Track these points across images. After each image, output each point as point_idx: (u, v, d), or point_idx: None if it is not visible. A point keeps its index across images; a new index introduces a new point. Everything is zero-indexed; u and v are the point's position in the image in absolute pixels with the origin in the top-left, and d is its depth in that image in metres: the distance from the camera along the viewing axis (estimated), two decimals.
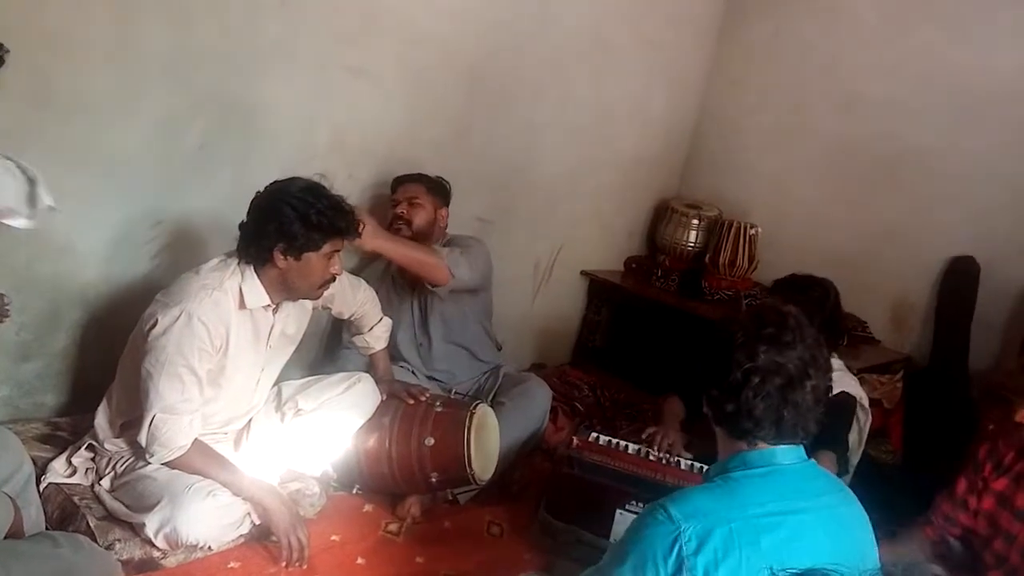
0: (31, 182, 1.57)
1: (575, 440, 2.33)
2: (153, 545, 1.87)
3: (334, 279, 2.08)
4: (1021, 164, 3.09)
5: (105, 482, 2.02)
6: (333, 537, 2.12)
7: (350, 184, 2.64)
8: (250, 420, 2.24)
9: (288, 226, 1.92)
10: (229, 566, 1.92)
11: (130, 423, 2.00)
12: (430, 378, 2.74)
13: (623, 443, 2.34)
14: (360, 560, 2.06)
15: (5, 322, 1.89)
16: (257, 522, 1.99)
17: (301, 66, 2.49)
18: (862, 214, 3.46)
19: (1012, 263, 3.11)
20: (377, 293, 2.50)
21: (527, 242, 3.44)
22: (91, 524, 1.89)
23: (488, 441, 2.36)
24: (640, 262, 3.87)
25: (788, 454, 1.36)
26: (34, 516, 1.74)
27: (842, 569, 1.06)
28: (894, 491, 2.39)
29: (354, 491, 2.33)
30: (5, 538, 1.52)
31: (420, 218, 2.60)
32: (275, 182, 2.00)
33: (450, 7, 2.80)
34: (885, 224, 3.40)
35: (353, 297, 2.37)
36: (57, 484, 2.02)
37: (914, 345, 3.36)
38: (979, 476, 1.91)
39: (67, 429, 2.23)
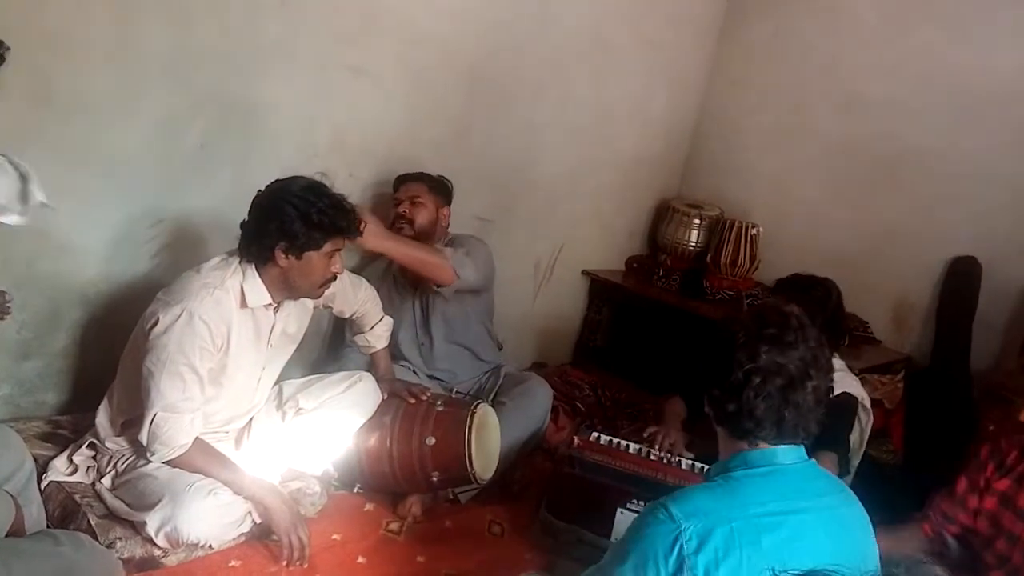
0: (23, 178, 1.56)
1: (576, 439, 2.33)
2: (154, 543, 1.87)
3: (335, 278, 2.08)
4: (1022, 164, 3.09)
5: (106, 480, 2.02)
6: (334, 536, 2.12)
7: (351, 183, 2.64)
8: (251, 419, 2.24)
9: (289, 225, 1.92)
10: (230, 565, 1.92)
11: (131, 421, 2.00)
12: (431, 377, 2.74)
13: (624, 443, 2.34)
14: (361, 559, 2.06)
15: (6, 319, 1.89)
16: (258, 521, 1.99)
17: (301, 66, 2.49)
18: (863, 214, 3.46)
19: (1013, 263, 3.11)
20: (378, 292, 2.50)
21: (527, 242, 3.44)
22: (92, 522, 1.90)
23: (489, 440, 2.36)
24: (641, 262, 3.87)
25: (789, 454, 1.36)
26: (35, 514, 1.74)
27: (843, 570, 1.07)
28: (895, 491, 2.39)
29: (355, 490, 2.33)
30: (6, 536, 1.52)
31: (422, 217, 2.60)
32: (276, 181, 2.00)
33: (450, 7, 2.80)
34: (886, 224, 3.40)
35: (354, 296, 2.37)
36: (58, 482, 2.02)
37: (915, 345, 3.36)
38: (981, 475, 1.91)
39: (68, 427, 2.23)
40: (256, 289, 2.01)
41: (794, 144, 3.67)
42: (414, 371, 2.72)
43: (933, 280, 3.30)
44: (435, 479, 2.24)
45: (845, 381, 2.37)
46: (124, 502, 1.95)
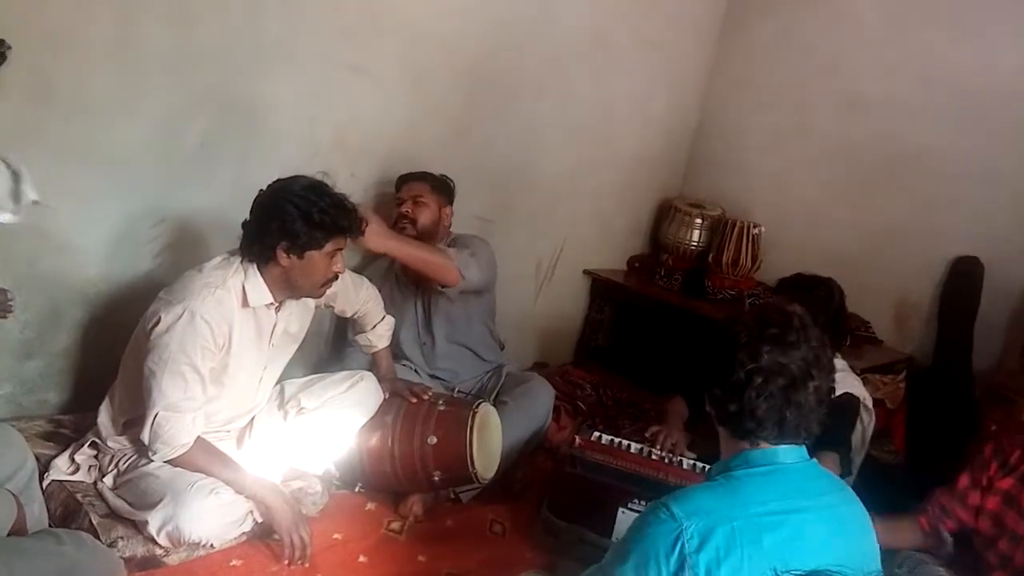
0: (15, 176, 1.56)
1: (578, 439, 2.33)
2: (155, 543, 1.87)
3: (337, 277, 2.08)
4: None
5: (108, 479, 2.02)
6: (335, 535, 2.12)
7: (352, 183, 2.64)
8: (253, 418, 2.24)
9: (291, 224, 1.92)
10: (231, 564, 1.93)
11: (133, 421, 2.00)
12: (433, 377, 2.74)
13: (626, 442, 2.34)
14: (362, 558, 2.06)
15: (9, 318, 1.89)
16: (259, 520, 1.99)
17: (302, 65, 2.49)
18: (865, 214, 3.46)
19: (1015, 263, 3.10)
20: (380, 291, 2.50)
21: (529, 241, 3.44)
22: (94, 521, 1.90)
23: (491, 440, 2.36)
24: (643, 261, 3.87)
25: (790, 453, 1.36)
26: (37, 513, 1.74)
27: (845, 570, 1.07)
28: (897, 491, 2.38)
29: (356, 489, 2.33)
30: (8, 535, 1.53)
31: (425, 217, 2.60)
32: (277, 180, 2.00)
33: (451, 6, 2.80)
34: (888, 224, 3.40)
35: (356, 295, 2.37)
36: (60, 481, 2.02)
37: (917, 345, 3.36)
38: (984, 474, 1.91)
39: (70, 426, 2.23)
40: (258, 288, 2.01)
41: (795, 144, 3.67)
42: (416, 370, 2.72)
43: (935, 280, 3.30)
44: (436, 478, 2.24)
45: (847, 381, 2.37)
46: (126, 501, 1.95)
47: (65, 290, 2.25)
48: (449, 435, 2.22)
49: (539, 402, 2.63)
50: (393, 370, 2.52)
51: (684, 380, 2.61)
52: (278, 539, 1.96)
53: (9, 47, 1.79)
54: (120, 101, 2.16)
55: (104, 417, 2.05)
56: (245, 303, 2.00)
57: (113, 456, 2.04)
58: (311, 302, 2.20)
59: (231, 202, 2.23)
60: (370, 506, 2.29)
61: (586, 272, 3.78)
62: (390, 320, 2.49)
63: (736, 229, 3.49)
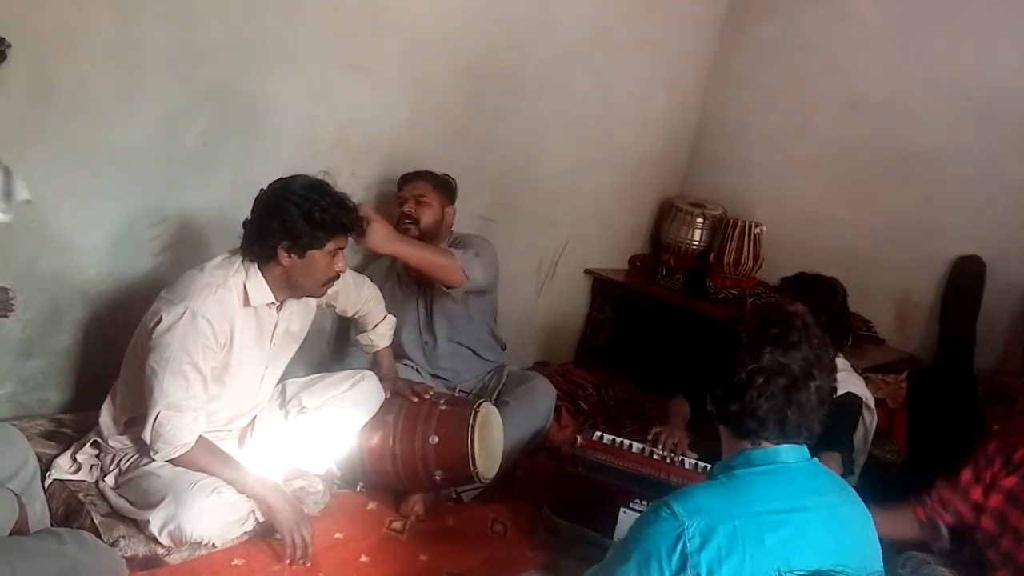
0: (6, 175, 1.56)
1: (579, 438, 2.33)
2: (157, 542, 1.87)
3: (338, 276, 2.08)
4: None
5: (109, 479, 2.02)
6: (337, 535, 2.12)
7: (353, 182, 2.64)
8: (254, 418, 2.24)
9: (292, 224, 1.92)
10: (233, 563, 1.93)
11: (134, 420, 2.00)
12: (434, 376, 2.74)
13: (627, 442, 2.34)
14: (364, 558, 2.06)
15: (10, 317, 1.89)
16: (261, 519, 1.99)
17: (303, 64, 2.49)
18: (866, 213, 3.46)
19: (1017, 262, 3.10)
20: (382, 291, 2.50)
21: (530, 240, 3.44)
22: (96, 521, 1.90)
23: (492, 439, 2.36)
24: (644, 260, 3.87)
25: (791, 453, 1.36)
26: (39, 512, 1.74)
27: (848, 570, 1.07)
28: (899, 491, 2.38)
29: (358, 489, 2.33)
30: (10, 534, 1.53)
31: (427, 216, 2.60)
32: (278, 179, 2.00)
33: (451, 6, 2.80)
34: (889, 223, 3.40)
35: (357, 295, 2.37)
36: (62, 481, 2.03)
37: (919, 345, 3.35)
38: (988, 471, 1.90)
39: (71, 426, 2.23)
40: (259, 288, 2.01)
41: (797, 143, 3.67)
42: (417, 370, 2.72)
43: (936, 279, 3.29)
44: (438, 478, 2.24)
45: (849, 381, 2.37)
46: (127, 500, 1.95)
47: (66, 289, 2.25)
48: (450, 434, 2.22)
49: (540, 401, 2.63)
50: (394, 369, 2.52)
51: (685, 380, 2.61)
52: (280, 538, 1.96)
53: (9, 45, 1.79)
54: (120, 101, 2.16)
55: (106, 416, 2.05)
56: (246, 302, 2.00)
57: (115, 455, 2.04)
58: (312, 301, 2.20)
59: (232, 201, 2.23)
60: (371, 505, 2.29)
61: (587, 271, 3.78)
62: (391, 319, 2.49)
63: (737, 228, 3.49)
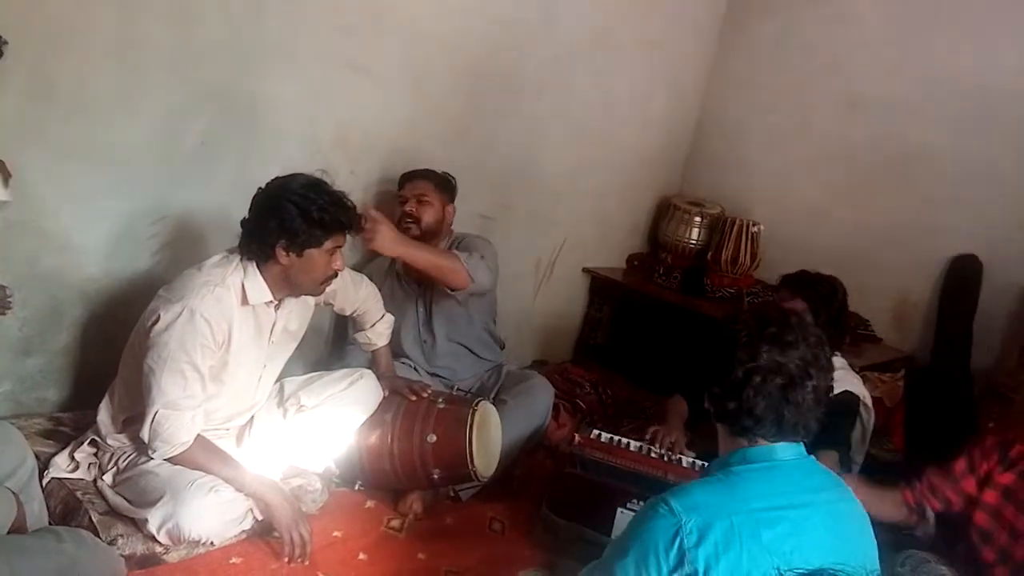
0: None
1: (577, 437, 2.33)
2: (155, 540, 1.87)
3: (336, 275, 2.08)
4: (1023, 163, 3.09)
5: (107, 477, 2.02)
6: (335, 533, 2.12)
7: (352, 180, 2.64)
8: (252, 416, 2.24)
9: (290, 222, 1.92)
10: (231, 562, 1.93)
11: (132, 419, 2.00)
12: (433, 374, 2.75)
13: (625, 440, 2.34)
14: (362, 556, 2.06)
15: (8, 314, 1.89)
16: (259, 518, 1.99)
17: (303, 64, 2.49)
18: (864, 213, 3.46)
19: (1014, 261, 3.11)
20: (381, 290, 2.50)
21: (528, 239, 3.44)
22: (94, 519, 1.90)
23: (490, 438, 2.37)
24: (642, 259, 3.87)
25: (788, 450, 1.37)
26: (37, 511, 1.74)
27: (848, 568, 1.07)
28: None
29: (356, 487, 2.33)
30: (8, 533, 1.53)
31: (429, 215, 2.60)
32: (277, 178, 2.00)
33: (451, 6, 2.80)
34: (887, 223, 3.40)
35: (355, 293, 2.37)
36: (60, 479, 2.02)
37: (916, 343, 3.36)
38: (984, 463, 1.91)
39: (70, 424, 2.23)
40: (257, 286, 2.01)
41: (795, 143, 3.67)
42: (415, 368, 2.72)
43: (934, 278, 3.30)
44: (436, 476, 2.24)
45: (846, 379, 2.37)
46: (125, 499, 1.95)
47: (65, 288, 2.25)
48: (449, 433, 2.22)
49: (538, 400, 2.63)
50: (393, 368, 2.52)
51: (683, 378, 2.61)
52: (278, 537, 1.97)
53: (6, 43, 1.79)
54: (120, 100, 2.17)
55: (104, 415, 2.05)
56: (244, 301, 2.00)
57: (113, 454, 2.04)
58: (311, 300, 2.20)
59: (231, 200, 2.23)
60: (370, 504, 2.29)
61: (585, 270, 3.78)
62: (389, 318, 2.49)
63: (735, 227, 3.49)
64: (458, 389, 2.75)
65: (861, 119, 3.47)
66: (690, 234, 3.65)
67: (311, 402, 2.22)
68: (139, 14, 2.12)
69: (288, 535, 1.94)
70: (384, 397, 2.34)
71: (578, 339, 3.87)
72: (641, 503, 2.06)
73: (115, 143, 2.19)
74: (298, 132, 2.56)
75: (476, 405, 2.29)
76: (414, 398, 2.33)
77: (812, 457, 1.41)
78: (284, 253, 1.96)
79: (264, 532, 2.01)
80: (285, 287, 2.04)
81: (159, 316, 1.90)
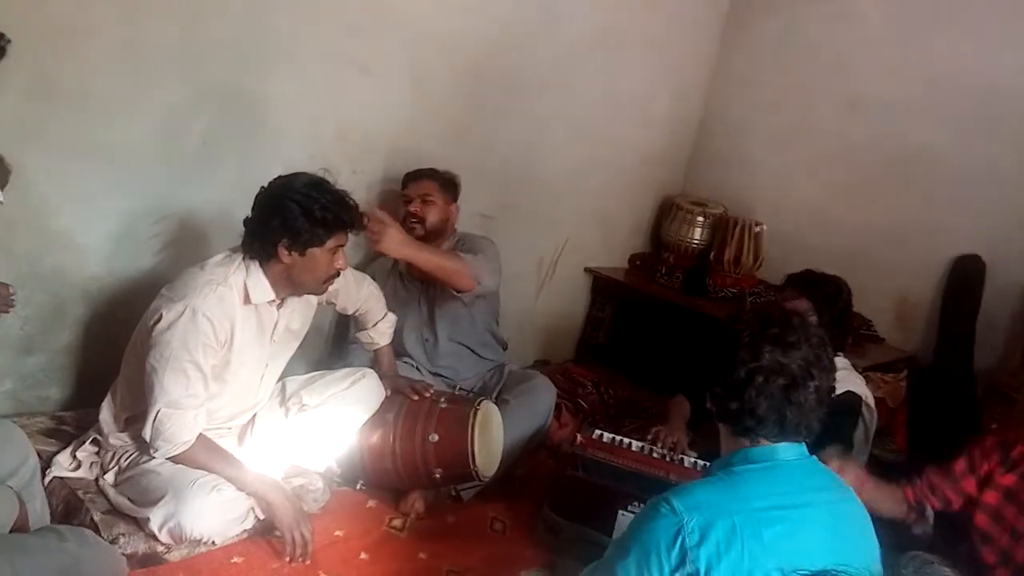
0: None
1: (579, 437, 2.33)
2: (157, 539, 1.87)
3: (339, 274, 2.08)
4: None
5: (109, 476, 2.02)
6: (337, 532, 2.12)
7: (354, 179, 2.64)
8: (254, 415, 2.25)
9: (292, 221, 1.92)
10: (233, 561, 1.93)
11: (134, 417, 2.00)
12: (435, 374, 2.75)
13: (627, 440, 2.34)
14: (363, 555, 2.06)
15: (10, 313, 1.89)
16: (261, 517, 1.99)
17: (306, 62, 2.49)
18: (867, 213, 3.46)
19: (1017, 261, 3.11)
20: (384, 289, 2.50)
21: (530, 239, 3.44)
22: (95, 518, 1.90)
23: (492, 438, 2.36)
24: (644, 259, 3.87)
25: (789, 450, 1.37)
26: (39, 510, 1.74)
27: (851, 570, 1.07)
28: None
29: (358, 487, 2.33)
30: (10, 532, 1.53)
31: (433, 215, 2.60)
32: (279, 177, 2.00)
33: (453, 6, 2.80)
34: (890, 222, 3.40)
35: (357, 292, 2.37)
36: (62, 478, 2.03)
37: (918, 344, 3.36)
38: (984, 463, 1.90)
39: (72, 423, 2.24)
40: (260, 285, 2.01)
41: (798, 142, 3.67)
42: (417, 368, 2.72)
43: (936, 278, 3.30)
44: (438, 476, 2.24)
45: (849, 380, 2.37)
46: (127, 498, 1.95)
47: (67, 287, 2.25)
48: (450, 433, 2.22)
49: (540, 400, 2.63)
50: (395, 367, 2.52)
51: (685, 378, 2.61)
52: (279, 536, 1.97)
53: (8, 40, 1.78)
54: (122, 99, 2.17)
55: (106, 414, 2.05)
56: (247, 300, 2.00)
57: (115, 453, 2.05)
58: (313, 299, 2.20)
59: (233, 199, 2.23)
60: (371, 503, 2.29)
61: (587, 270, 3.78)
62: (392, 317, 2.49)
63: (738, 227, 3.49)
64: (460, 389, 2.75)
65: (863, 119, 3.47)
66: (692, 234, 3.65)
67: (313, 401, 2.22)
68: (140, 13, 2.12)
69: (290, 534, 1.94)
70: (386, 396, 2.33)
71: (580, 339, 3.87)
72: (641, 505, 2.06)
73: (116, 142, 2.19)
74: (299, 132, 2.56)
75: (478, 405, 2.29)
76: (416, 397, 2.33)
77: (814, 457, 1.41)
78: (287, 252, 1.96)
79: (266, 531, 2.01)
80: (287, 286, 2.04)
81: (161, 315, 1.90)
